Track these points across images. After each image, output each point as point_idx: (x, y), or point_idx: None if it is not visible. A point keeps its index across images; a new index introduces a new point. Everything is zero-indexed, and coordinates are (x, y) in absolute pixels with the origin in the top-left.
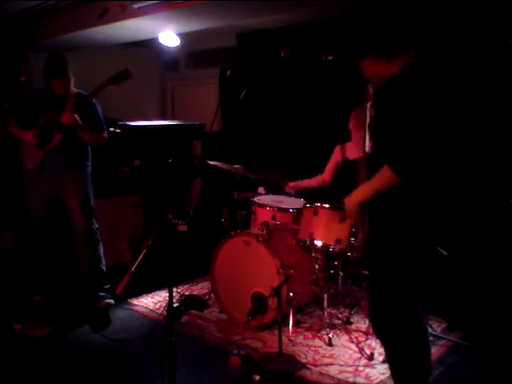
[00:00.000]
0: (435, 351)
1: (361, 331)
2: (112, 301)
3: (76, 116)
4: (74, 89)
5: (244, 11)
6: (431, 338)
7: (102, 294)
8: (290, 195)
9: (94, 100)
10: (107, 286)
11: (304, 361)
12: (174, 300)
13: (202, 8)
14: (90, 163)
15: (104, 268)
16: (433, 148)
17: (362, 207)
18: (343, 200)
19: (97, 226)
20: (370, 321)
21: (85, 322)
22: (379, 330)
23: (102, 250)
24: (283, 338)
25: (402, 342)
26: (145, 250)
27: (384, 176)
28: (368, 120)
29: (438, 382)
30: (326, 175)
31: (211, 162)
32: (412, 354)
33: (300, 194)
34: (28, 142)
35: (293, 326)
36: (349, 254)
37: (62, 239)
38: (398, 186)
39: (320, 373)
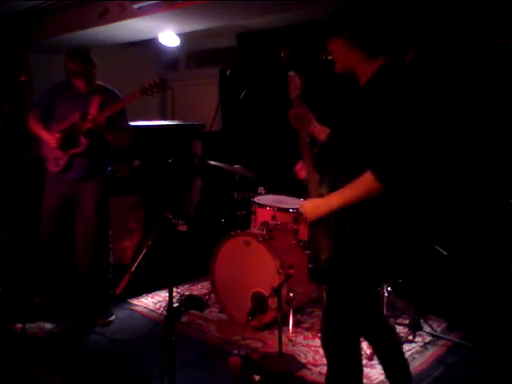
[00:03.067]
0: (435, 351)
1: None
2: (113, 318)
3: (104, 120)
4: (98, 83)
5: (244, 11)
6: (431, 338)
7: (107, 310)
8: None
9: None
10: (112, 296)
11: (304, 361)
12: (174, 300)
13: (201, 8)
14: (110, 166)
15: (111, 277)
16: (418, 155)
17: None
18: (302, 204)
19: (110, 232)
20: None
21: (87, 322)
22: (332, 346)
23: (111, 260)
24: (283, 338)
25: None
26: (145, 250)
27: (366, 184)
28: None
29: (437, 382)
30: None
31: (212, 162)
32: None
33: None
34: (50, 144)
35: (293, 326)
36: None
37: (61, 239)
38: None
39: (320, 373)
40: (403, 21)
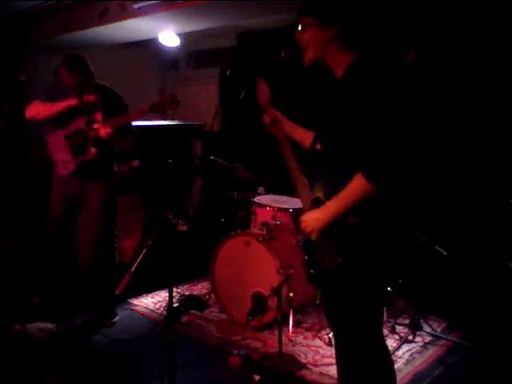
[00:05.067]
0: (435, 351)
1: None
2: (117, 319)
3: (113, 131)
4: (97, 82)
5: (244, 11)
6: (431, 337)
7: (112, 311)
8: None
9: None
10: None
11: (304, 361)
12: (174, 300)
13: (202, 8)
14: (116, 166)
15: (115, 276)
16: (405, 150)
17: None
18: (300, 220)
19: (116, 232)
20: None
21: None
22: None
23: (116, 260)
24: (283, 338)
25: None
26: (145, 250)
27: (358, 187)
28: None
29: (437, 383)
30: None
31: (212, 158)
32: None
33: None
34: (71, 105)
35: (293, 326)
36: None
37: (61, 239)
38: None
39: (320, 373)
40: (403, 21)
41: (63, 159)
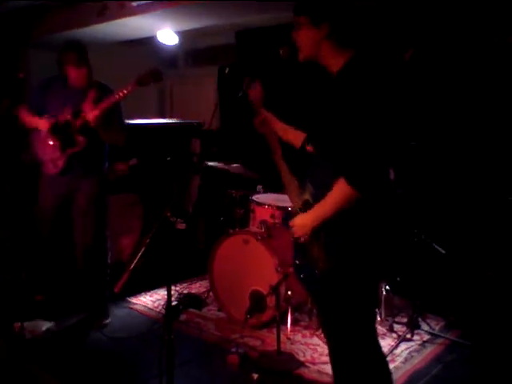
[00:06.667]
0: (433, 349)
1: None
2: (108, 321)
3: (101, 114)
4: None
5: (242, 9)
6: (429, 336)
7: (103, 313)
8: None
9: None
10: (109, 297)
11: (302, 359)
12: (173, 298)
13: (200, 6)
14: (107, 162)
15: (108, 278)
16: (387, 158)
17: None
18: (292, 224)
19: (107, 233)
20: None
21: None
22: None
23: (109, 260)
24: (281, 336)
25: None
26: (143, 249)
27: (341, 192)
28: None
29: (436, 381)
30: None
31: (210, 163)
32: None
33: None
34: (42, 128)
35: (291, 325)
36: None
37: (62, 238)
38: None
39: (318, 371)
40: (402, 18)
41: (51, 157)
